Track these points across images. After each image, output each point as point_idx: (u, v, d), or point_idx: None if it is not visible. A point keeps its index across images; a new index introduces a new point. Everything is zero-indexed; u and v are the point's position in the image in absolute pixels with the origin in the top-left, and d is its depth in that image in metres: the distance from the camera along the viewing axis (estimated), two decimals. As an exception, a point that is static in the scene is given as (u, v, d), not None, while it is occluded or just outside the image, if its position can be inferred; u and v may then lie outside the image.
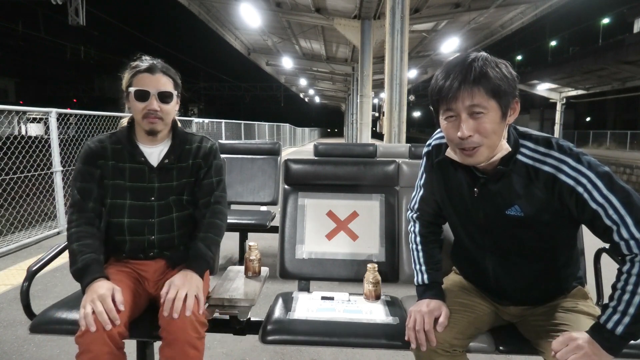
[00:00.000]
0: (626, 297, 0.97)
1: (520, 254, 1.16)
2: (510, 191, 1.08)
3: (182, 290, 1.20)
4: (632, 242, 0.97)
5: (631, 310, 0.96)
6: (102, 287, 1.17)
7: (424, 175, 1.31)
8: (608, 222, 0.99)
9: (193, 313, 1.19)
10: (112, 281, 1.27)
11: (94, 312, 1.11)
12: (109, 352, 1.10)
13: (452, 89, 1.00)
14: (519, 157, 1.07)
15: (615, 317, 0.97)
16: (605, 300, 1.03)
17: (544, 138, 1.07)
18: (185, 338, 1.16)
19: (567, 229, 1.12)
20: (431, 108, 1.11)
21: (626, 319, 0.96)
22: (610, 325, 0.98)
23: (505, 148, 1.06)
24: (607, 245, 1.06)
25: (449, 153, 1.13)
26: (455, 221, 1.25)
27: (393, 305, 1.46)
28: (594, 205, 0.99)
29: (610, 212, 0.98)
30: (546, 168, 1.03)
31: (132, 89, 1.33)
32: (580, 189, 0.99)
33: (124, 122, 1.45)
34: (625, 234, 0.98)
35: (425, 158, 1.30)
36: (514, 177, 1.07)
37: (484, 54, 1.03)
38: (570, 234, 1.15)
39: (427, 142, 1.29)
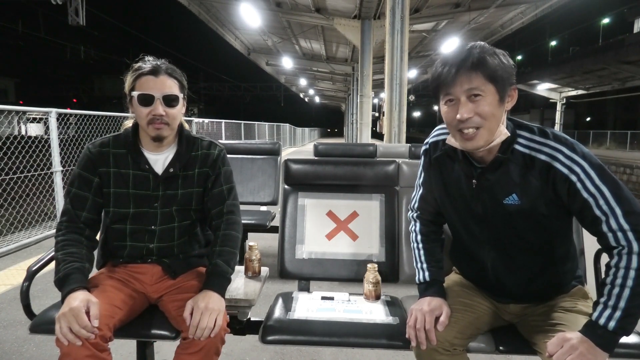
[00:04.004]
0: (616, 290, 0.98)
1: (518, 247, 1.16)
2: (508, 180, 1.10)
3: (206, 314, 1.17)
4: (619, 234, 0.99)
5: (622, 304, 0.97)
6: (76, 300, 1.11)
7: (423, 174, 1.33)
8: (597, 212, 1.00)
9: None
10: (105, 285, 1.26)
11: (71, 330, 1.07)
12: (90, 355, 1.07)
13: (451, 74, 1.03)
14: (516, 146, 1.09)
15: (607, 312, 0.98)
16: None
17: (540, 128, 1.10)
18: (210, 347, 1.19)
19: (562, 221, 1.13)
20: (432, 98, 1.14)
21: (617, 313, 0.97)
22: (602, 321, 0.98)
23: (504, 133, 1.08)
24: None
25: (450, 140, 1.16)
26: (454, 217, 1.26)
27: (393, 305, 1.46)
28: (585, 195, 1.01)
29: (601, 202, 1.00)
30: (542, 156, 1.05)
31: (135, 93, 1.26)
32: (573, 178, 1.01)
33: (128, 123, 1.39)
34: (614, 225, 0.99)
35: (423, 156, 1.32)
36: (511, 166, 1.09)
37: (481, 43, 1.06)
38: (565, 226, 1.16)
39: (425, 141, 1.31)
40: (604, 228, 1.00)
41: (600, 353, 0.96)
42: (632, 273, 0.97)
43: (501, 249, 1.18)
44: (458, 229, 1.28)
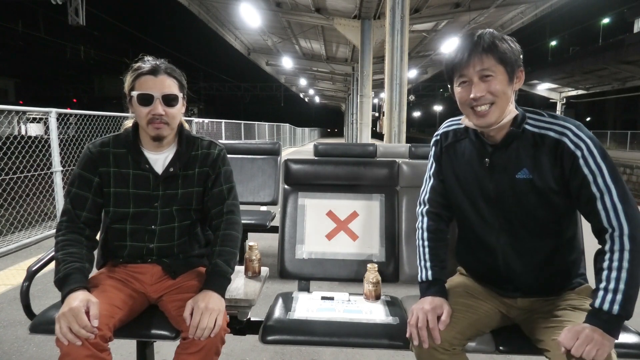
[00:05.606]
0: (614, 274, 1.01)
1: (529, 228, 1.19)
2: (519, 156, 1.17)
3: (206, 314, 1.16)
4: (612, 213, 1.04)
5: (621, 286, 1.00)
6: (76, 300, 1.11)
7: (434, 164, 1.37)
8: (594, 189, 1.07)
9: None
10: (105, 285, 1.26)
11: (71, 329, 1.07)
12: (90, 355, 1.07)
13: (464, 57, 1.13)
14: (526, 126, 1.17)
15: (609, 297, 1.00)
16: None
17: (549, 113, 1.19)
18: (210, 347, 1.19)
19: (568, 200, 1.16)
20: (447, 86, 1.24)
21: (619, 296, 0.99)
22: (606, 306, 1.00)
23: (513, 111, 1.17)
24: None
25: (464, 121, 1.26)
26: (464, 202, 1.27)
27: (393, 305, 1.46)
28: (585, 170, 1.08)
29: (599, 180, 1.06)
30: (552, 134, 1.14)
31: (134, 93, 1.27)
32: (578, 153, 1.09)
33: (128, 123, 1.39)
34: (608, 203, 1.05)
35: (433, 147, 1.37)
36: (522, 144, 1.17)
37: (491, 30, 1.15)
38: (571, 206, 1.19)
39: (435, 134, 1.38)
40: (599, 205, 1.06)
41: (609, 339, 0.98)
42: (626, 255, 1.01)
43: (512, 231, 1.21)
44: (468, 216, 1.28)
